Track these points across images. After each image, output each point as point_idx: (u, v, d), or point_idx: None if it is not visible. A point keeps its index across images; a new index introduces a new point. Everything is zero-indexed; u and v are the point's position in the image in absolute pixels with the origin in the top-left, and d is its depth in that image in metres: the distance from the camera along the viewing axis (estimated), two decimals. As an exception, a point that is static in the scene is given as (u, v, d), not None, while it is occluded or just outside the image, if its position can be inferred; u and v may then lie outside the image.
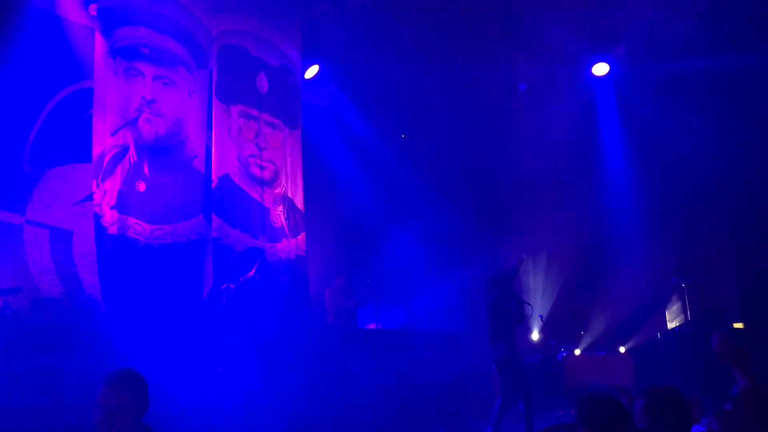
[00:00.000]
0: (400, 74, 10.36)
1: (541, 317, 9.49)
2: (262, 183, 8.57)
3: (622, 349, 9.92)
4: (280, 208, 8.76)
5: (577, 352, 9.73)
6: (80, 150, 6.96)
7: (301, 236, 8.94)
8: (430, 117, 11.10)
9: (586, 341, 9.96)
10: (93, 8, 7.17)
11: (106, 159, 7.03)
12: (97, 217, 6.82)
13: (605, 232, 10.48)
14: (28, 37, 6.67)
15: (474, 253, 10.56)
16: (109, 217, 6.88)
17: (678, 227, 10.08)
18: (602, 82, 10.57)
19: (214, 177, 7.97)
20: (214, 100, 8.16)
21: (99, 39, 7.16)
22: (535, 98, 10.54)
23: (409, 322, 10.15)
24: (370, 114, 10.81)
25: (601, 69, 10.31)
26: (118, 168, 7.09)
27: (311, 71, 9.68)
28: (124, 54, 7.33)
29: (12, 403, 4.67)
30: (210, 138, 8.04)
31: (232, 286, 5.69)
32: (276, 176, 8.79)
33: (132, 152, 7.24)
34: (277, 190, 8.78)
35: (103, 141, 7.03)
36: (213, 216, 7.83)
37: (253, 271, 6.61)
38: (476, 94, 10.57)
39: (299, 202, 9.03)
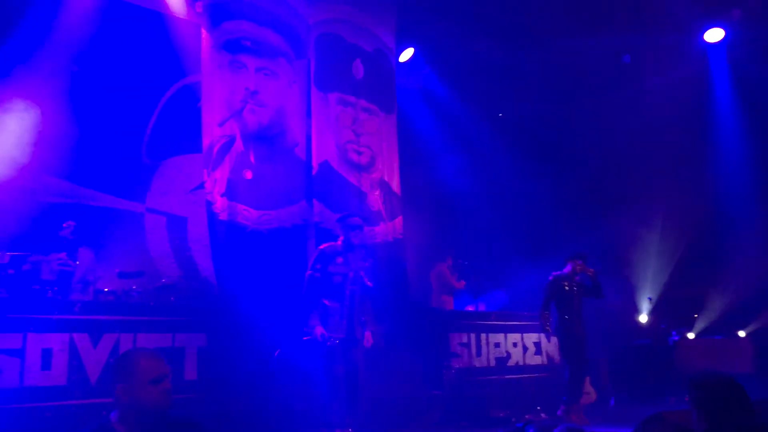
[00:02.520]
0: (496, 52, 10.16)
1: (650, 299, 9.08)
2: (360, 168, 8.73)
3: (741, 334, 9.30)
4: (378, 192, 8.90)
5: (691, 336, 9.23)
6: (191, 141, 7.40)
7: (398, 219, 9.04)
8: (527, 96, 10.82)
9: (701, 325, 9.42)
10: (199, 5, 7.54)
11: (215, 149, 7.42)
12: (209, 205, 7.23)
13: (722, 210, 9.83)
14: (141, 37, 7.14)
15: (575, 234, 10.25)
16: (220, 204, 7.28)
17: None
18: (715, 49, 9.87)
19: (314, 164, 8.22)
20: (313, 88, 8.38)
21: (205, 34, 7.54)
22: (641, 70, 10.01)
23: (510, 304, 10.04)
24: (465, 95, 10.69)
25: (714, 35, 9.63)
26: (227, 157, 7.46)
27: (406, 54, 9.70)
28: (229, 47, 7.67)
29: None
30: (310, 126, 8.28)
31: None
32: (373, 161, 8.92)
33: (238, 142, 7.59)
34: (374, 175, 8.92)
35: (212, 132, 7.42)
36: (314, 201, 8.09)
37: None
38: (576, 70, 10.17)
39: (396, 186, 9.13)
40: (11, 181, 6.17)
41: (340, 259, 5.34)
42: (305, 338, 5.35)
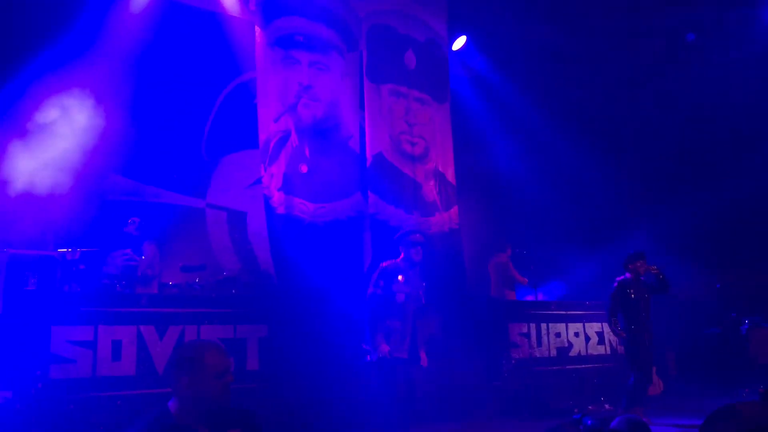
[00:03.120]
0: (550, 37, 9.90)
1: (718, 286, 8.71)
2: (414, 159, 8.70)
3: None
4: (432, 182, 8.85)
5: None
6: (248, 137, 7.55)
7: (454, 209, 8.97)
8: (584, 79, 10.51)
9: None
10: (252, 3, 7.67)
11: (272, 144, 7.54)
12: (267, 199, 7.37)
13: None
14: (197, 37, 7.32)
15: (636, 220, 9.93)
16: (277, 198, 7.41)
17: None
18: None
19: (368, 156, 8.24)
20: (365, 80, 8.39)
21: (259, 32, 7.66)
22: (706, 49, 9.56)
23: (569, 293, 9.82)
24: (520, 81, 10.48)
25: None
26: (282, 152, 7.57)
27: (459, 42, 9.58)
28: (282, 43, 7.77)
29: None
30: (363, 118, 8.31)
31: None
32: (426, 151, 8.88)
33: (293, 136, 7.69)
34: (429, 165, 8.87)
35: (268, 128, 7.54)
36: (369, 193, 8.12)
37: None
38: (636, 50, 9.81)
39: (450, 175, 9.06)
40: (78, 181, 6.44)
41: (401, 278, 5.26)
42: (368, 357, 5.24)
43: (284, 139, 7.63)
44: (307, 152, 7.76)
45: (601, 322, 7.98)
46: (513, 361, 7.09)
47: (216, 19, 7.58)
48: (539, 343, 7.41)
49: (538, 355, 7.34)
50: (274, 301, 6.12)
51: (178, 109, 7.22)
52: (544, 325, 7.52)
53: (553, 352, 7.50)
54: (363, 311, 5.39)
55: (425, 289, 5.39)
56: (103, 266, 5.92)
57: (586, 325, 7.87)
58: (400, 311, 5.18)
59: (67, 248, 5.51)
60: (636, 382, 6.43)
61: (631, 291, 6.51)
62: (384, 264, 5.38)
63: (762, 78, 9.46)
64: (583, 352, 7.74)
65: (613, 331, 6.62)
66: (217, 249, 7.37)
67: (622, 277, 6.62)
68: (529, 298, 8.77)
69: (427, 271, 5.62)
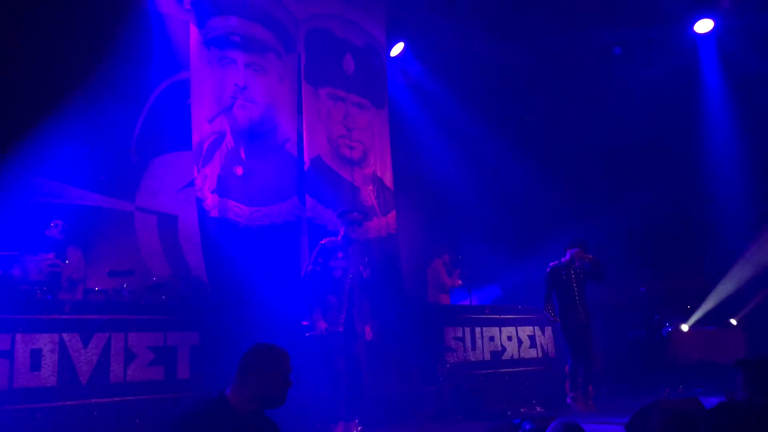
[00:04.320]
0: (486, 47, 10.12)
1: (642, 290, 9.10)
2: (352, 163, 8.68)
3: (733, 322, 9.34)
4: (370, 187, 8.86)
5: (684, 327, 9.26)
6: (181, 138, 7.34)
7: (392, 214, 9.01)
8: (518, 89, 10.80)
9: (693, 316, 9.44)
10: (187, 1, 7.47)
11: (205, 146, 7.35)
12: (200, 202, 7.17)
13: (712, 201, 9.85)
14: (130, 34, 7.07)
15: (568, 227, 10.25)
16: (211, 201, 7.22)
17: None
18: (705, 40, 9.88)
19: (306, 159, 8.16)
20: (303, 83, 8.32)
21: (194, 30, 7.46)
22: (631, 62, 10.01)
23: (503, 298, 10.03)
24: (457, 89, 10.66)
25: (704, 26, 9.63)
26: (217, 153, 7.39)
27: (396, 49, 9.66)
28: (217, 43, 7.60)
29: (131, 375, 5.02)
30: (301, 121, 8.22)
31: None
32: (365, 156, 8.88)
33: (229, 138, 7.53)
34: (367, 170, 8.87)
35: (202, 129, 7.35)
36: (307, 197, 8.04)
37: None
38: (567, 63, 10.16)
39: (388, 180, 9.09)
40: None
41: (340, 254, 5.45)
42: (307, 334, 5.39)
43: (219, 140, 7.46)
44: (242, 154, 7.60)
45: (533, 326, 8.19)
46: (448, 365, 7.16)
47: (149, 16, 7.35)
48: (473, 346, 7.52)
49: (472, 359, 7.44)
50: (206, 307, 5.96)
51: (106, 108, 6.93)
52: (478, 329, 7.64)
53: (487, 356, 7.62)
54: (301, 287, 5.58)
55: (367, 264, 5.47)
56: (20, 271, 5.60)
57: (519, 329, 8.04)
58: (337, 286, 5.35)
59: (-17, 252, 5.19)
60: (573, 363, 6.82)
61: (563, 273, 7.00)
62: (323, 241, 5.57)
63: (681, 91, 10.00)
64: (516, 356, 7.91)
65: (548, 314, 7.09)
66: (146, 254, 7.11)
67: (556, 261, 7.06)
68: (464, 302, 8.89)
69: (368, 283, 5.65)
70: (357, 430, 5.14)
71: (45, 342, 4.68)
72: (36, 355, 4.62)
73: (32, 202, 6.45)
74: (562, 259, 7.11)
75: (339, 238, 5.53)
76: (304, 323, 5.68)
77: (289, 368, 2.64)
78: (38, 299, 5.36)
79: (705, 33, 9.73)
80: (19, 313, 4.68)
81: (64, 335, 4.77)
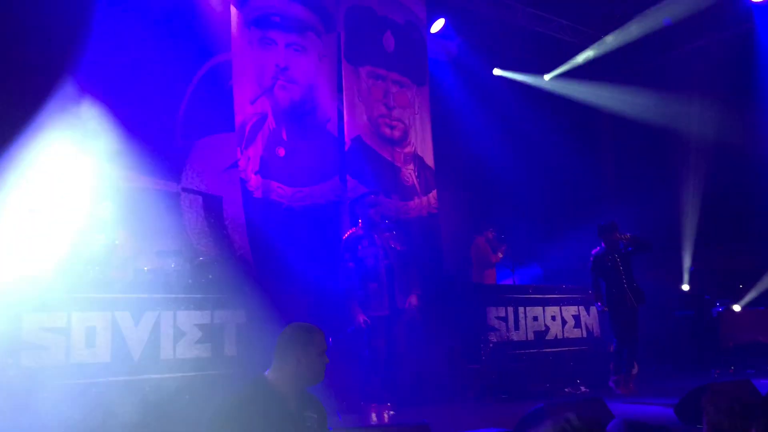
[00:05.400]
0: (529, 22, 9.90)
1: (692, 269, 8.86)
2: (393, 142, 8.65)
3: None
4: (411, 166, 8.81)
5: (737, 307, 8.99)
6: (224, 120, 7.41)
7: (433, 193, 8.95)
8: (562, 63, 10.55)
9: (747, 296, 9.15)
10: (228, -18, 7.49)
11: (248, 127, 7.42)
12: (243, 183, 7.26)
13: (765, 181, 9.46)
14: (171, 18, 7.14)
15: (613, 205, 10.03)
16: (254, 182, 7.30)
17: None
18: (763, 8, 9.43)
19: (346, 139, 8.16)
20: (343, 62, 8.29)
21: (234, 11, 7.49)
22: (682, 33, 9.63)
23: (545, 277, 9.91)
24: (498, 66, 10.47)
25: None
26: (259, 135, 7.46)
27: (437, 25, 9.51)
28: (258, 24, 7.62)
29: (180, 352, 5.16)
30: (341, 101, 8.21)
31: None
32: (405, 135, 8.83)
33: (270, 119, 7.57)
34: (407, 149, 8.82)
35: (244, 110, 7.41)
36: (347, 177, 8.05)
37: None
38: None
39: (429, 159, 9.02)
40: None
41: (365, 242, 5.39)
42: (349, 330, 5.40)
43: (261, 121, 7.51)
44: (284, 135, 7.65)
45: (578, 305, 8.08)
46: (491, 345, 7.14)
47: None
48: (516, 326, 7.47)
49: (515, 339, 7.40)
50: (251, 286, 6.05)
51: (151, 92, 7.03)
52: (521, 309, 7.58)
53: (531, 336, 7.57)
54: (337, 285, 5.53)
55: (396, 237, 5.43)
56: (76, 251, 5.78)
57: (563, 308, 7.95)
58: (374, 273, 5.32)
59: (39, 233, 5.36)
60: (618, 347, 6.77)
61: (609, 259, 6.88)
62: (345, 236, 5.55)
63: (737, 62, 9.56)
64: (560, 336, 7.83)
65: (597, 302, 7.10)
66: (192, 233, 7.25)
67: (597, 249, 6.96)
68: (507, 281, 8.82)
69: (406, 255, 5.63)
70: (389, 413, 5.15)
71: (99, 320, 4.84)
72: (91, 333, 4.78)
73: (82, 184, 6.61)
74: (602, 246, 6.99)
75: (359, 226, 5.49)
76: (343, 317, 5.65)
77: (324, 345, 2.63)
78: (91, 279, 5.53)
79: (763, 1, 9.28)
80: (75, 292, 4.84)
81: (117, 313, 4.92)
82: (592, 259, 7.02)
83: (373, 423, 5.04)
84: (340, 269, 5.47)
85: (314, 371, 2.59)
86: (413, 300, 5.42)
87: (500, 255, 8.71)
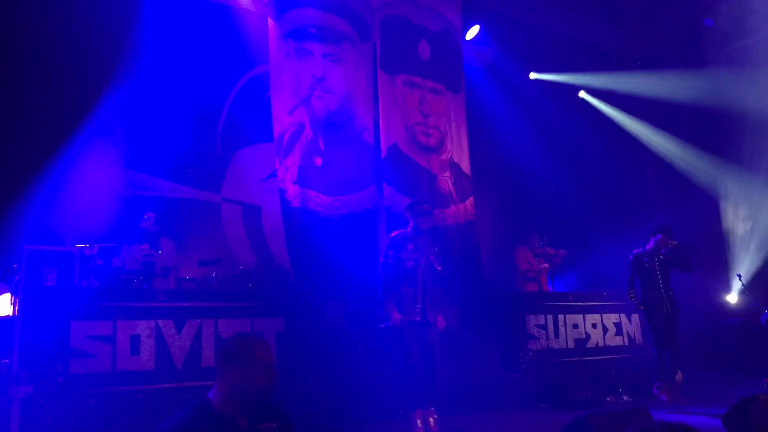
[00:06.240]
0: (566, 27, 9.80)
1: (739, 276, 8.59)
2: (429, 150, 8.65)
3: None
4: (447, 173, 8.80)
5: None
6: (262, 130, 7.54)
7: (469, 201, 8.92)
8: (600, 70, 10.39)
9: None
10: (265, -4, 7.64)
11: (286, 137, 7.53)
12: (282, 192, 7.36)
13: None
14: (210, 31, 7.32)
15: (658, 212, 9.82)
16: (292, 191, 7.40)
17: None
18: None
19: (383, 147, 8.20)
20: (379, 71, 8.35)
21: (272, 24, 7.63)
22: (724, 33, 9.40)
23: (583, 285, 9.74)
24: (534, 71, 10.37)
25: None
26: (297, 145, 7.56)
27: (472, 32, 9.49)
28: (295, 35, 7.74)
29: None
30: (377, 110, 8.26)
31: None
32: (441, 142, 8.82)
33: (307, 129, 7.67)
34: (443, 156, 8.82)
35: (282, 120, 7.52)
36: (384, 185, 8.09)
37: None
38: (654, 38, 9.67)
39: (465, 166, 8.99)
40: (94, 177, 6.46)
41: (410, 246, 5.44)
42: (382, 325, 5.44)
43: (298, 131, 7.62)
44: (321, 145, 7.74)
45: (619, 312, 7.92)
46: (530, 353, 7.05)
47: (228, 12, 7.58)
48: (556, 334, 7.36)
49: (555, 347, 7.29)
50: (290, 294, 6.13)
51: (191, 104, 7.22)
52: (561, 317, 7.46)
53: (571, 344, 7.45)
54: (375, 279, 5.60)
55: (437, 254, 5.46)
56: (118, 261, 5.95)
57: (604, 316, 7.80)
58: (410, 277, 5.36)
59: (85, 243, 5.53)
60: (659, 352, 6.68)
61: (646, 261, 6.84)
62: (393, 234, 5.61)
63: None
64: (600, 344, 7.68)
65: (631, 302, 7.01)
66: (232, 243, 7.38)
67: (640, 249, 6.90)
68: (547, 288, 8.69)
69: (443, 263, 5.62)
70: (433, 417, 5.15)
71: (143, 328, 4.97)
72: (135, 341, 4.91)
73: (127, 195, 6.81)
74: (646, 247, 6.92)
75: (408, 229, 5.53)
76: (379, 315, 5.73)
77: (268, 356, 2.39)
78: (135, 288, 5.68)
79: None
80: (120, 301, 4.98)
81: (160, 322, 5.04)
82: (631, 257, 7.03)
83: (419, 429, 5.03)
84: (380, 264, 5.52)
85: (259, 386, 2.36)
86: (440, 320, 5.41)
87: (546, 265, 8.52)
